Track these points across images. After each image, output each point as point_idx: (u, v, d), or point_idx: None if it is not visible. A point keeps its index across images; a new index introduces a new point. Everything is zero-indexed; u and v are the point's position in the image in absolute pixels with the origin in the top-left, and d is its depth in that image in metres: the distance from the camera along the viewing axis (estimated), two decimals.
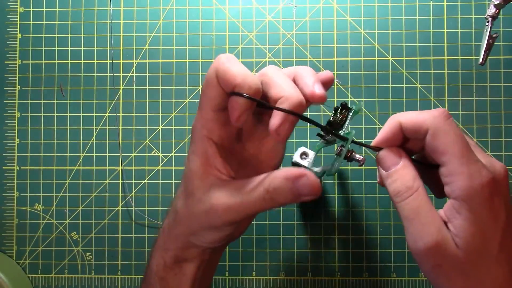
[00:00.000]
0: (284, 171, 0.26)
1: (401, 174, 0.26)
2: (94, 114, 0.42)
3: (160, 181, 0.42)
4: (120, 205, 0.42)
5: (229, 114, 0.26)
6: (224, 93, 0.26)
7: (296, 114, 0.25)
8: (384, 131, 0.27)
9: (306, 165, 0.35)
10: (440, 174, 0.25)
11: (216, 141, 0.27)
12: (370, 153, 0.41)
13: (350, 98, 0.41)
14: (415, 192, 0.25)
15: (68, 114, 0.42)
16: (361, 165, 0.28)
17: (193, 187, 0.27)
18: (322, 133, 0.29)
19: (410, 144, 0.27)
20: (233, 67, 0.25)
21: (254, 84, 0.25)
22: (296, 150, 0.36)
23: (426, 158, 0.27)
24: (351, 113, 0.28)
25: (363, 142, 0.28)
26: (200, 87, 0.42)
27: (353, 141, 0.27)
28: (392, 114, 0.27)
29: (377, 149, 0.27)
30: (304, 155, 0.35)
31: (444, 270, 0.24)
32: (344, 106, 0.28)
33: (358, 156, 0.28)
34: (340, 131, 0.28)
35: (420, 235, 0.24)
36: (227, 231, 0.28)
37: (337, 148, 0.28)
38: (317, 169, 0.32)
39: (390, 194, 0.26)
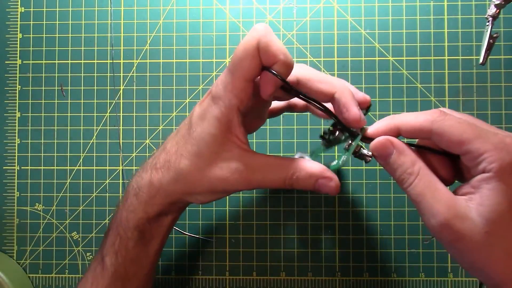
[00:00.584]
0: (311, 166, 0.28)
1: (399, 163, 0.26)
2: (95, 114, 0.42)
3: None
4: None
5: (259, 86, 0.27)
6: (260, 65, 0.26)
7: (325, 109, 0.27)
8: (379, 132, 0.27)
9: None
10: (465, 161, 0.25)
11: (242, 110, 0.28)
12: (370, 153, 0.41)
13: None
14: (416, 176, 0.26)
15: (69, 114, 0.42)
16: (368, 162, 0.29)
17: (211, 152, 0.28)
18: (324, 135, 0.30)
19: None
20: (276, 41, 0.26)
21: (292, 65, 0.27)
22: (295, 152, 0.35)
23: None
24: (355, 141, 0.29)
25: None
26: (201, 87, 0.42)
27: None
28: (393, 114, 0.27)
29: (368, 140, 0.28)
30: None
31: (464, 243, 0.24)
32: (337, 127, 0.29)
33: (366, 151, 0.28)
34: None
35: (430, 215, 0.25)
36: (225, 195, 0.30)
37: (346, 143, 0.29)
38: (334, 163, 0.31)
39: (397, 182, 0.27)
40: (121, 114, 0.42)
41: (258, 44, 0.26)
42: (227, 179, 0.28)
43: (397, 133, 0.27)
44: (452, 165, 0.27)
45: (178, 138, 0.29)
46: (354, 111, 0.27)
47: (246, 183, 0.28)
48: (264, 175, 0.28)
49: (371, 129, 0.28)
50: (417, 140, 0.28)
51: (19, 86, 0.43)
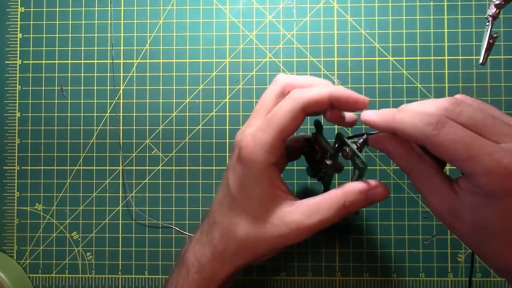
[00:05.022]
0: (355, 186, 0.28)
1: (394, 159, 0.28)
2: (95, 114, 0.42)
3: (160, 181, 0.42)
4: (121, 205, 0.42)
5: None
6: (301, 121, 0.28)
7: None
8: (378, 124, 0.27)
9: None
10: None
11: (277, 165, 0.29)
12: (370, 153, 0.41)
13: None
14: (411, 173, 0.27)
15: (69, 114, 0.42)
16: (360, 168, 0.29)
17: (263, 214, 0.28)
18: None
19: None
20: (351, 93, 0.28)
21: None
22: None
23: None
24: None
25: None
26: (201, 87, 0.42)
27: (343, 139, 0.29)
28: (353, 132, 0.28)
29: (364, 135, 0.29)
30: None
31: (456, 233, 0.26)
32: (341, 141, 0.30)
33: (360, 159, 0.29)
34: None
35: (428, 206, 0.27)
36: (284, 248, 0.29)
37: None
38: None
39: None
40: (121, 114, 0.42)
41: (331, 98, 0.27)
42: (286, 236, 0.28)
43: (394, 133, 0.27)
44: None
45: (225, 210, 0.30)
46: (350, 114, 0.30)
47: (305, 232, 0.28)
48: (321, 216, 0.28)
49: (372, 117, 0.27)
50: None
51: (19, 86, 0.43)
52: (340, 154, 0.30)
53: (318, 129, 0.32)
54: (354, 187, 0.28)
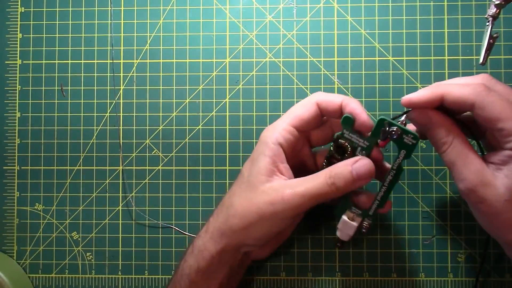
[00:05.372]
0: (344, 161, 0.31)
1: (434, 133, 0.29)
2: (95, 114, 0.42)
3: (160, 181, 0.42)
4: (121, 205, 0.42)
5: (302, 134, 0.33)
6: (319, 119, 0.33)
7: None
8: (421, 100, 0.29)
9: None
10: (498, 136, 0.27)
11: (285, 149, 0.32)
12: None
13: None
14: (450, 145, 0.28)
15: (69, 114, 0.42)
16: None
17: (257, 182, 0.31)
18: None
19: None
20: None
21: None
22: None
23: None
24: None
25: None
26: (201, 87, 0.42)
27: (388, 121, 0.30)
28: (392, 114, 0.28)
29: (406, 113, 0.31)
30: (349, 218, 0.33)
31: (485, 206, 0.27)
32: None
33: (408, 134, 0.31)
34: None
35: (460, 180, 0.28)
36: (282, 224, 0.31)
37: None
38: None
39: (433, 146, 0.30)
40: (121, 114, 0.42)
41: (321, 100, 0.32)
42: (274, 201, 0.30)
43: (439, 103, 0.29)
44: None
45: (232, 190, 0.33)
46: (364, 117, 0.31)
47: (292, 199, 0.29)
48: (307, 184, 0.30)
49: (414, 96, 0.29)
50: None
51: (19, 86, 0.43)
52: (379, 141, 0.31)
53: (346, 125, 0.32)
54: (341, 162, 0.31)
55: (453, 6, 0.41)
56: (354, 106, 0.31)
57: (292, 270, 0.41)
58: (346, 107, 0.31)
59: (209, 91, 0.42)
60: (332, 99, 0.32)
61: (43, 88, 0.43)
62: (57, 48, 0.43)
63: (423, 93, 0.29)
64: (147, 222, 0.42)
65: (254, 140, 0.41)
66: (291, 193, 0.29)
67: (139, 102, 0.42)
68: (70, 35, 0.43)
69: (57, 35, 0.43)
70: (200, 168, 0.42)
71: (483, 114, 0.27)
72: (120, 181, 0.42)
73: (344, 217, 0.33)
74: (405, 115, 0.32)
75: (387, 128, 0.30)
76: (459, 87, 0.28)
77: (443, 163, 0.30)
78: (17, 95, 0.43)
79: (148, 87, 0.42)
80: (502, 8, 0.34)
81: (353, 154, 0.32)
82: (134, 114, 0.42)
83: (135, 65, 0.42)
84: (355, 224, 0.33)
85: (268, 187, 0.30)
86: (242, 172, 0.33)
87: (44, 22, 0.43)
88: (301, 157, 0.35)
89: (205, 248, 0.32)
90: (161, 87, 0.42)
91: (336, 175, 0.30)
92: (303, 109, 0.32)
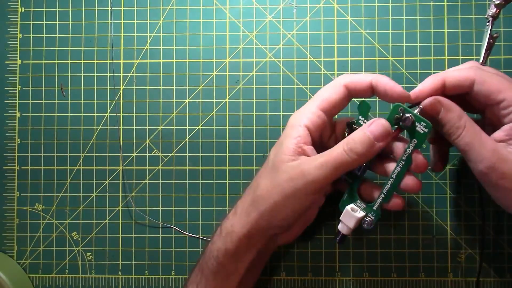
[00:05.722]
0: (359, 129, 0.31)
1: (447, 119, 0.29)
2: (95, 114, 0.42)
3: (160, 181, 0.42)
4: (121, 205, 0.42)
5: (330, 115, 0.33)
6: (347, 102, 0.33)
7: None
8: (426, 89, 0.30)
9: (361, 213, 0.33)
10: (500, 109, 0.29)
11: (311, 132, 0.32)
12: None
13: None
14: (464, 129, 0.29)
15: (69, 114, 0.42)
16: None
17: (280, 162, 0.31)
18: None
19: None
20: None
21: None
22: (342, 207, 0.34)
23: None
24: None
25: None
26: (201, 87, 0.42)
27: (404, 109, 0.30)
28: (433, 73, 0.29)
29: (416, 105, 0.31)
30: (353, 210, 0.33)
31: (507, 182, 0.28)
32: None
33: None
34: None
35: (479, 160, 0.28)
36: (305, 201, 0.31)
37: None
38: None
39: (445, 135, 0.30)
40: (121, 114, 0.42)
41: (376, 86, 0.31)
42: (295, 178, 0.30)
43: (442, 90, 0.30)
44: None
45: (260, 169, 0.33)
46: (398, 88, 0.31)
47: (319, 170, 0.29)
48: (325, 157, 0.30)
49: (417, 90, 0.30)
50: None
51: (19, 86, 0.43)
52: (392, 130, 0.31)
53: (363, 112, 0.33)
54: (356, 131, 0.31)
55: (453, 6, 0.41)
56: (386, 81, 0.31)
57: (292, 270, 0.41)
58: (378, 84, 0.31)
59: (209, 91, 0.42)
60: (360, 79, 0.31)
61: (43, 88, 0.43)
62: (57, 48, 0.43)
63: (426, 83, 0.30)
64: (147, 222, 0.42)
65: (254, 140, 0.41)
66: (311, 167, 0.30)
67: (139, 102, 0.42)
68: (70, 35, 0.43)
69: (57, 35, 0.43)
70: (200, 168, 0.42)
71: (484, 88, 0.29)
72: (120, 181, 0.42)
73: (348, 208, 0.33)
74: (418, 108, 0.31)
75: (401, 115, 0.30)
76: (456, 71, 0.30)
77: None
78: (17, 95, 0.43)
79: (148, 87, 0.42)
80: (502, 8, 0.34)
81: None
82: (134, 114, 0.42)
83: (135, 65, 0.42)
84: (357, 215, 0.32)
85: (290, 165, 0.30)
86: (269, 155, 0.33)
87: (44, 22, 0.43)
88: (330, 146, 0.34)
89: (233, 230, 0.32)
90: (161, 87, 0.42)
91: (353, 140, 0.30)
92: (331, 91, 0.32)
